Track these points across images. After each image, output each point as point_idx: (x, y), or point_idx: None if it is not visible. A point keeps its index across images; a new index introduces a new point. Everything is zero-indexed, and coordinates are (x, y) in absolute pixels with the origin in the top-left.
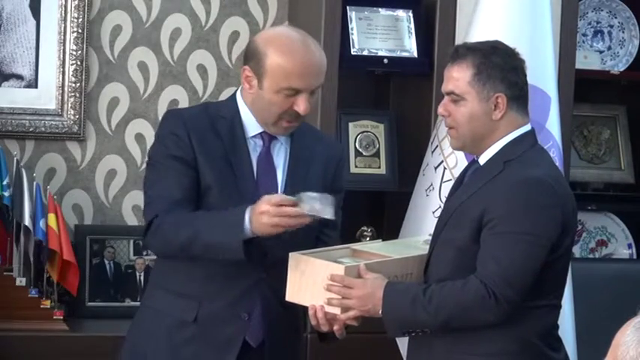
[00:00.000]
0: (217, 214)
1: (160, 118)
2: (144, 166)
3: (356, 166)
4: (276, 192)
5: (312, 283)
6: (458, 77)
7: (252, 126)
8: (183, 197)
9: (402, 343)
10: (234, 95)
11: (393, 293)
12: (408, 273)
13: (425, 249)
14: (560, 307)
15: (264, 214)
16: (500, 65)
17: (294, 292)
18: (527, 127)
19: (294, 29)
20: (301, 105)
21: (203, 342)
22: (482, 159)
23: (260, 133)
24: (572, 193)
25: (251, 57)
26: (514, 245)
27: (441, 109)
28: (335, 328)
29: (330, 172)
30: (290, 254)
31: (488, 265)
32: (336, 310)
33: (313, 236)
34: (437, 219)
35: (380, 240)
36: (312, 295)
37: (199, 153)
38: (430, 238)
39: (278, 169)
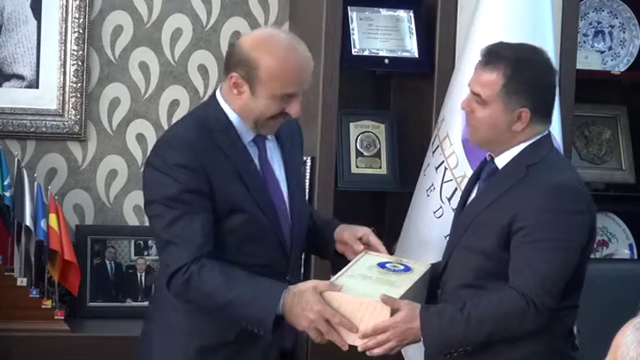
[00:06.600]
0: (254, 286)
1: (157, 126)
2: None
3: (357, 167)
4: (282, 193)
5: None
6: (486, 84)
7: (245, 133)
8: (208, 239)
9: None
10: (216, 102)
11: (430, 318)
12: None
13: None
14: (578, 306)
15: (311, 322)
16: (531, 81)
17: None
18: (545, 131)
19: (279, 30)
20: (294, 108)
21: (243, 357)
22: (500, 162)
23: (253, 139)
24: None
25: (240, 64)
26: (549, 253)
27: (464, 104)
28: None
29: (299, 148)
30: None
31: (524, 275)
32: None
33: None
34: (451, 222)
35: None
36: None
37: (213, 177)
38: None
39: (275, 167)
